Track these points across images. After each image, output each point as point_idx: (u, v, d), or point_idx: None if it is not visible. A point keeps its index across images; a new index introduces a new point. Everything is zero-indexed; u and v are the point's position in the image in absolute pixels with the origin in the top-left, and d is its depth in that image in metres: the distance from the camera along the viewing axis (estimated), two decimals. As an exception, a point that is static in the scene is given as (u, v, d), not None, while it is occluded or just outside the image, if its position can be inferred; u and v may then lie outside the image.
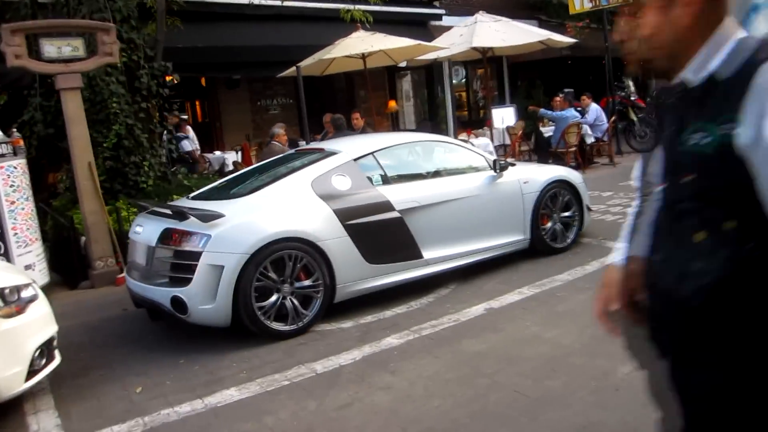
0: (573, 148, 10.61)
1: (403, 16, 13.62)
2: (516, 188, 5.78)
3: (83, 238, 6.56)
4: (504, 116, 11.73)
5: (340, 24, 10.14)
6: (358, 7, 10.67)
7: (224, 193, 5.22)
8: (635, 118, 12.48)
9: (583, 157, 10.83)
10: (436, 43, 10.76)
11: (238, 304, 4.28)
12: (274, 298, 4.43)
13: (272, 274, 4.41)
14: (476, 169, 5.73)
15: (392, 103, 15.70)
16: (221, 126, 13.29)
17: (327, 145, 5.91)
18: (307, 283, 4.57)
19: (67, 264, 6.60)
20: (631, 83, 13.56)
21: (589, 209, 6.36)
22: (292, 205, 4.71)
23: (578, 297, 4.80)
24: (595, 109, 11.19)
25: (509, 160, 7.01)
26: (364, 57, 9.83)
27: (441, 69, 16.52)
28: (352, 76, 15.20)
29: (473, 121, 17.46)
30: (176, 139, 10.88)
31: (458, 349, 4.06)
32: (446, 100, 16.80)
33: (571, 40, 11.12)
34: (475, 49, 10.99)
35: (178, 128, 10.97)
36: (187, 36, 10.65)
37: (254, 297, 4.33)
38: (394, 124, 16.22)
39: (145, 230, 4.74)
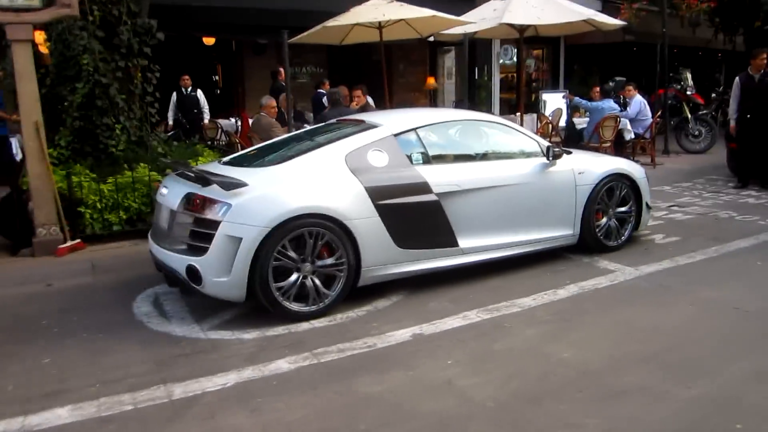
0: (607, 144, 9.48)
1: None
2: (569, 179, 5.28)
3: (31, 203, 6.14)
4: (553, 102, 10.67)
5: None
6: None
7: (257, 160, 4.87)
8: (689, 115, 11.14)
9: (619, 155, 9.63)
10: (465, 17, 9.77)
11: (255, 280, 4.03)
12: (294, 277, 4.17)
13: (292, 253, 4.12)
14: (527, 155, 5.26)
15: (431, 80, 14.83)
16: (243, 92, 12.76)
17: (369, 117, 5.46)
18: (329, 261, 4.27)
19: (14, 228, 6.22)
20: (689, 75, 12.12)
21: (648, 207, 5.78)
22: (322, 179, 4.39)
23: (527, 332, 3.94)
24: (638, 102, 9.97)
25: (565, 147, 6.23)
26: (380, 27, 9.00)
27: (488, 47, 15.43)
28: (392, 48, 14.35)
29: (529, 103, 16.30)
30: (185, 100, 10.52)
31: (348, 388, 3.31)
32: (492, 81, 15.70)
33: (620, 23, 9.85)
34: (510, 26, 9.95)
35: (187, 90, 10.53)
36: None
37: (272, 274, 4.07)
38: (432, 102, 15.32)
39: (170, 193, 4.50)
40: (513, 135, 5.41)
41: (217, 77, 14.72)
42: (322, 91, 11.06)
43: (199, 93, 10.66)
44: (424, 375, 3.43)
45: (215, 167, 4.88)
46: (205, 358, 3.74)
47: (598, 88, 9.98)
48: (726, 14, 13.83)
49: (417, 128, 4.94)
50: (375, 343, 3.85)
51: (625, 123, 9.74)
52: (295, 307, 4.19)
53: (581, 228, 5.36)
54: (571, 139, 9.90)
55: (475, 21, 9.35)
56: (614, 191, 5.52)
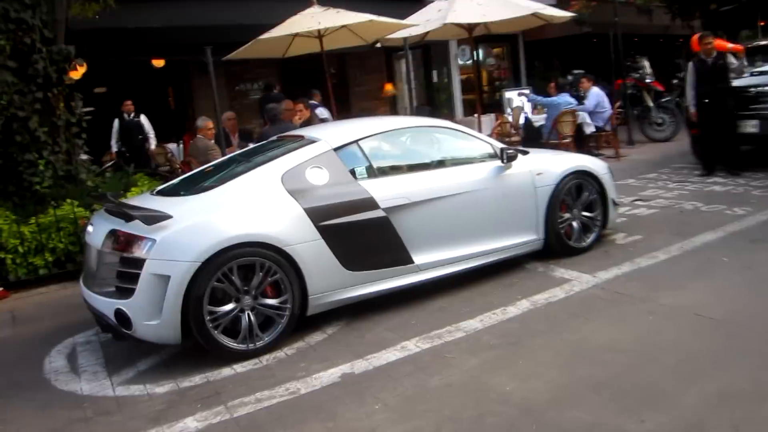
0: (567, 140, 9.14)
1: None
2: (527, 181, 4.99)
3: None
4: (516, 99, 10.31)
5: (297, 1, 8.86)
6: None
7: (189, 187, 4.53)
8: (651, 104, 10.86)
9: (580, 150, 9.31)
10: (410, 19, 9.41)
11: (189, 320, 3.69)
12: (230, 308, 3.81)
13: (229, 286, 3.79)
14: (481, 159, 4.97)
15: (389, 86, 14.48)
16: (194, 113, 12.28)
17: (308, 131, 5.12)
18: (271, 296, 3.94)
19: None
20: (646, 63, 11.86)
21: (615, 204, 5.51)
22: (257, 203, 4.07)
23: (469, 362, 3.53)
24: (595, 95, 9.65)
25: (521, 147, 5.93)
26: (320, 36, 8.60)
27: (445, 48, 15.12)
28: (345, 57, 13.99)
29: (484, 104, 15.99)
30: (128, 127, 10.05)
31: (257, 449, 2.89)
32: (452, 83, 15.39)
33: (569, 14, 9.53)
34: (459, 25, 9.62)
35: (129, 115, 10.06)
36: (133, 16, 9.71)
37: (208, 313, 3.72)
38: (393, 108, 14.96)
39: (95, 231, 4.15)
40: (464, 139, 5.10)
41: (169, 99, 14.22)
42: (314, 102, 10.75)
43: (143, 118, 10.19)
44: (345, 425, 3.00)
45: (144, 199, 4.56)
46: (105, 422, 3.30)
47: (554, 83, 9.63)
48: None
49: (359, 140, 4.61)
50: (298, 389, 3.42)
51: (584, 116, 9.42)
52: (236, 345, 3.83)
53: (546, 232, 5.05)
54: (530, 138, 9.55)
55: (419, 23, 8.98)
56: (577, 190, 5.23)
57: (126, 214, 3.87)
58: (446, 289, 4.65)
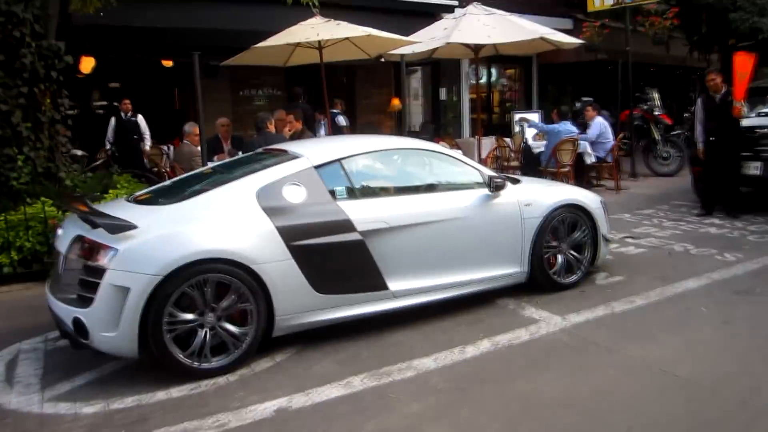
0: (566, 168, 8.91)
1: (403, 5, 12.13)
2: (514, 211, 4.83)
3: None
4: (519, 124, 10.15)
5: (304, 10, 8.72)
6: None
7: (165, 196, 4.40)
8: (657, 137, 10.60)
9: (580, 180, 9.09)
10: (416, 35, 9.26)
11: (148, 336, 3.57)
12: (200, 334, 3.70)
13: (191, 303, 3.67)
14: (467, 186, 4.81)
15: (396, 101, 14.26)
16: (196, 115, 12.16)
17: (292, 147, 4.96)
18: (231, 328, 3.79)
19: None
20: (656, 95, 11.60)
21: (606, 240, 5.32)
22: (227, 218, 3.93)
23: (410, 407, 3.31)
24: (598, 124, 9.41)
25: (512, 175, 5.81)
26: (320, 47, 8.47)
27: (456, 67, 14.95)
28: (355, 70, 13.87)
29: (494, 126, 15.79)
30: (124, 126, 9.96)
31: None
32: (461, 101, 15.21)
33: (577, 41, 9.33)
34: (466, 45, 9.45)
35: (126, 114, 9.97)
36: (138, 15, 9.65)
37: (168, 332, 3.60)
38: (398, 124, 14.79)
39: (64, 235, 4.06)
40: (452, 164, 4.94)
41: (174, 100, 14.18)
42: (335, 110, 10.95)
43: (140, 118, 10.08)
44: (263, 471, 2.81)
45: (117, 205, 4.44)
46: (17, 446, 3.12)
47: (556, 111, 9.43)
48: (694, 31, 13.38)
49: (342, 159, 4.46)
50: (228, 422, 3.23)
51: (585, 146, 9.18)
52: (196, 364, 3.70)
53: (530, 265, 4.88)
54: (528, 164, 9.34)
55: (422, 41, 8.82)
56: (566, 224, 5.06)
57: (91, 220, 3.74)
58: (409, 322, 4.44)
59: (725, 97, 7.45)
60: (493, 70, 16.67)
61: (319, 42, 8.29)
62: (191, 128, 7.23)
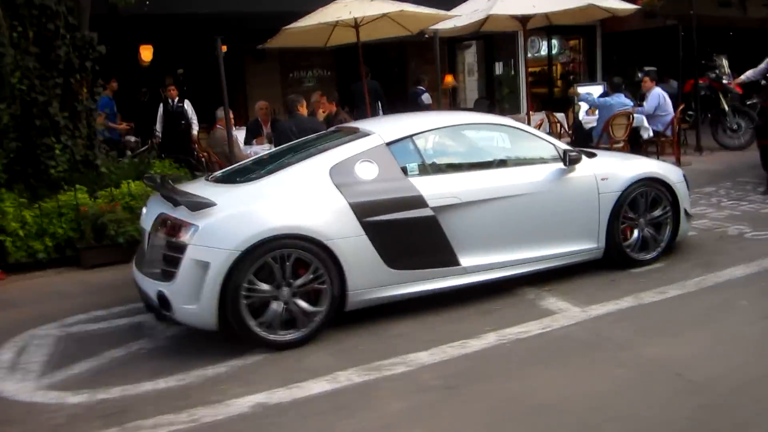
0: (620, 144, 8.33)
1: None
2: (590, 186, 4.71)
3: None
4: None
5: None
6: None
7: (243, 175, 4.56)
8: (726, 107, 9.76)
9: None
10: (459, 8, 8.87)
11: (226, 308, 3.71)
12: (272, 305, 3.81)
13: (268, 277, 3.78)
14: (541, 160, 4.73)
15: (449, 78, 13.90)
16: (245, 99, 12.28)
17: (363, 124, 5.08)
18: (304, 305, 3.87)
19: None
20: (725, 62, 10.65)
21: (688, 215, 5.13)
22: (302, 195, 4.06)
23: (391, 406, 3.11)
24: (656, 96, 8.73)
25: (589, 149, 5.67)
26: (357, 26, 8.24)
27: (513, 40, 14.34)
28: (405, 46, 13.56)
29: (556, 100, 15.10)
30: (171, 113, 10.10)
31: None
32: (519, 76, 14.59)
33: (633, 7, 8.62)
34: (512, 17, 8.97)
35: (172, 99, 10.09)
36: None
37: (245, 302, 3.72)
38: (452, 101, 14.39)
39: (147, 214, 4.30)
40: (525, 139, 4.86)
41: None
42: (422, 88, 11.03)
43: (187, 104, 10.19)
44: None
45: (197, 185, 4.61)
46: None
47: (609, 82, 8.81)
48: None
49: (413, 135, 4.48)
50: (201, 417, 3.14)
51: (642, 120, 8.55)
52: (272, 336, 3.83)
53: (607, 241, 4.74)
54: (580, 141, 8.77)
55: (461, 14, 8.41)
56: (646, 198, 4.88)
57: (173, 198, 3.92)
58: (419, 311, 4.25)
59: None
60: (555, 42, 15.91)
61: (355, 20, 8.07)
62: (223, 113, 7.19)
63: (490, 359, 3.57)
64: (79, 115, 7.01)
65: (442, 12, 8.13)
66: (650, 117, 8.74)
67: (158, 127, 10.14)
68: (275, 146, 7.23)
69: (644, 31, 14.27)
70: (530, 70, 15.57)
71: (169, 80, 11.53)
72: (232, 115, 7.25)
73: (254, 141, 8.35)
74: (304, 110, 7.11)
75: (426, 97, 10.95)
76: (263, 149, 7.54)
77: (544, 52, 15.66)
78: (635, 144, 8.70)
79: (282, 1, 10.18)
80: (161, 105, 10.19)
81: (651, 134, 8.75)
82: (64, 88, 6.80)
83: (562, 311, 4.15)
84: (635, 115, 8.44)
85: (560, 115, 9.79)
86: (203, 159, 8.09)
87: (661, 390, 3.09)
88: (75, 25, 6.90)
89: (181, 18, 10.08)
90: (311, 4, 8.46)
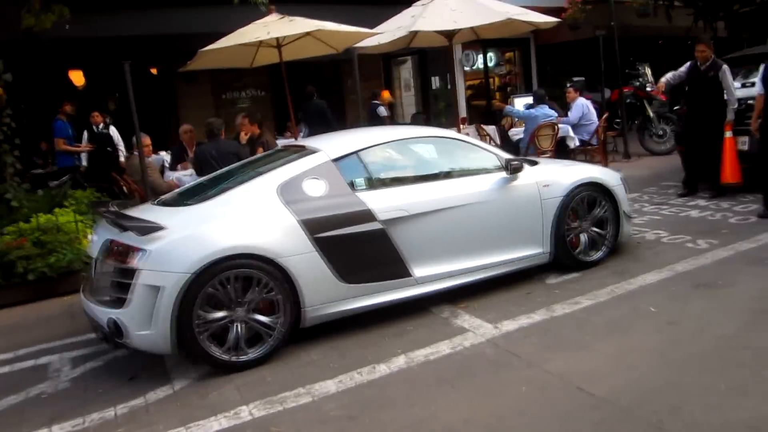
0: (547, 154, 8.43)
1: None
2: (533, 193, 4.88)
3: None
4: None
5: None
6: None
7: (189, 197, 4.56)
8: (651, 114, 10.02)
9: (563, 166, 8.57)
10: (384, 25, 8.87)
11: (181, 331, 3.69)
12: (223, 323, 3.79)
13: (221, 297, 3.77)
14: (485, 171, 4.87)
15: (386, 94, 13.86)
16: (177, 122, 12.01)
17: (310, 142, 5.18)
18: (262, 318, 3.89)
19: None
20: (648, 70, 10.97)
21: (627, 216, 5.33)
22: (251, 214, 4.06)
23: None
24: (580, 106, 8.90)
25: (531, 158, 5.92)
26: (278, 46, 8.16)
27: (446, 54, 14.46)
28: (340, 64, 13.53)
29: (493, 112, 15.28)
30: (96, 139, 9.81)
31: None
32: (456, 90, 14.72)
33: (552, 20, 8.77)
34: (439, 32, 9.02)
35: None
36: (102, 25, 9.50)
37: (198, 324, 3.71)
38: (391, 116, 14.40)
39: (96, 239, 4.25)
40: (468, 150, 5.02)
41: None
42: (376, 102, 11.37)
43: (112, 129, 9.92)
44: None
45: (144, 209, 4.61)
46: None
47: (533, 95, 8.93)
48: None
49: (358, 151, 4.57)
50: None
51: (567, 129, 8.69)
52: (227, 356, 3.80)
53: (554, 245, 4.92)
54: (508, 152, 8.85)
55: (383, 32, 8.42)
56: (586, 203, 5.09)
57: (121, 224, 3.91)
58: (332, 337, 4.17)
59: (711, 68, 6.92)
60: (491, 55, 16.15)
61: (277, 40, 8.00)
62: (142, 139, 6.98)
63: (397, 384, 3.49)
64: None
65: (363, 30, 8.11)
66: (575, 126, 8.89)
67: (83, 155, 9.82)
68: (197, 171, 7.10)
69: (574, 42, 14.61)
70: (468, 83, 15.88)
71: (111, 104, 11.30)
72: (148, 141, 7.04)
73: (179, 166, 8.15)
74: (222, 134, 6.97)
75: (381, 110, 11.26)
76: (186, 174, 7.36)
77: (480, 65, 15.87)
78: (563, 153, 8.82)
79: (208, 21, 10.02)
80: (85, 131, 9.89)
81: (577, 143, 8.90)
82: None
83: (474, 329, 4.11)
84: (560, 125, 8.56)
85: (491, 128, 9.86)
86: (124, 187, 7.83)
87: (562, 406, 3.06)
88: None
89: (105, 41, 9.83)
90: (235, 23, 8.37)
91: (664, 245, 5.54)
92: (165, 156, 9.82)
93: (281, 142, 8.46)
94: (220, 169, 6.67)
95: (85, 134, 9.86)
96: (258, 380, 3.71)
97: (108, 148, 9.85)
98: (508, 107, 9.25)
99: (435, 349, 3.87)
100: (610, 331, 3.90)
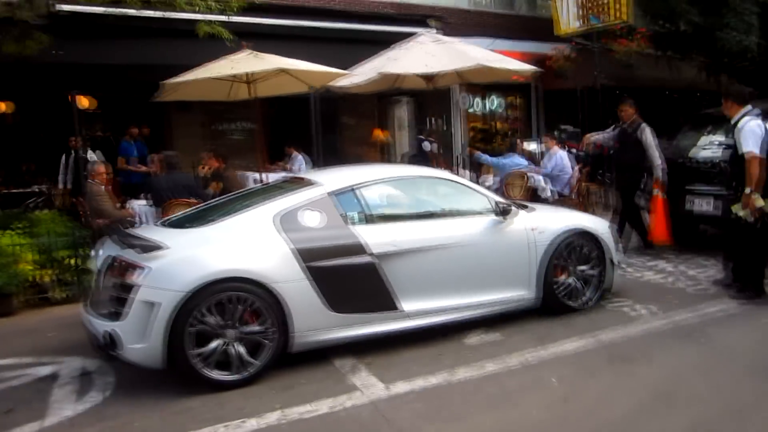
0: (518, 204, 8.22)
1: (369, 35, 11.76)
2: (522, 237, 5.02)
3: None
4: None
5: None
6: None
7: (192, 221, 4.75)
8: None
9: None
10: (362, 66, 8.84)
11: (174, 347, 3.83)
12: (215, 344, 3.93)
13: (215, 318, 3.92)
14: (476, 212, 5.02)
15: (378, 132, 13.89)
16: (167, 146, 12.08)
17: (310, 175, 5.44)
18: (255, 328, 4.04)
19: None
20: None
21: (614, 264, 5.39)
22: (248, 240, 4.26)
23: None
24: (554, 157, 8.71)
25: (521, 201, 6.14)
26: (248, 81, 8.16)
27: (446, 95, 14.45)
28: (336, 101, 13.56)
29: (497, 155, 15.14)
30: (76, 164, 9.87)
31: None
32: (452, 131, 14.66)
33: (530, 68, 8.64)
34: (420, 76, 8.97)
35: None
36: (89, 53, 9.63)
37: (192, 341, 3.86)
38: (384, 156, 14.35)
39: (100, 255, 4.48)
40: (461, 191, 5.18)
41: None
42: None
43: (90, 154, 9.97)
44: None
45: (150, 229, 4.91)
46: None
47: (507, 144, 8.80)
48: (682, 51, 12.66)
49: (356, 186, 4.72)
50: None
51: (539, 180, 8.50)
52: (216, 375, 3.93)
53: (542, 290, 5.02)
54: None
55: (357, 74, 8.39)
56: (574, 249, 5.16)
57: (127, 242, 4.11)
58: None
59: (634, 130, 6.95)
60: (495, 98, 16.08)
61: (247, 76, 8.00)
62: (97, 167, 7.00)
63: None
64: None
65: (334, 70, 8.06)
66: (551, 177, 8.70)
67: (60, 177, 9.91)
68: (152, 200, 7.10)
69: (574, 91, 14.50)
70: (472, 124, 15.79)
71: (134, 129, 11.49)
72: (103, 170, 7.04)
73: (141, 195, 8.15)
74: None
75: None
76: (141, 204, 7.35)
77: (482, 108, 15.79)
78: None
79: (195, 53, 10.15)
80: (63, 156, 9.96)
81: (549, 195, 8.67)
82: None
83: (365, 388, 3.93)
84: (533, 175, 8.38)
85: (465, 173, 9.70)
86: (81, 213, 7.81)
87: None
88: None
89: (98, 67, 9.97)
90: (203, 58, 8.41)
91: (601, 309, 5.29)
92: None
93: (273, 177, 8.48)
94: (171, 198, 6.71)
95: (63, 159, 9.92)
96: (124, 424, 3.59)
97: (84, 173, 9.90)
98: (478, 153, 9.11)
99: (315, 407, 3.69)
100: (498, 403, 3.68)
